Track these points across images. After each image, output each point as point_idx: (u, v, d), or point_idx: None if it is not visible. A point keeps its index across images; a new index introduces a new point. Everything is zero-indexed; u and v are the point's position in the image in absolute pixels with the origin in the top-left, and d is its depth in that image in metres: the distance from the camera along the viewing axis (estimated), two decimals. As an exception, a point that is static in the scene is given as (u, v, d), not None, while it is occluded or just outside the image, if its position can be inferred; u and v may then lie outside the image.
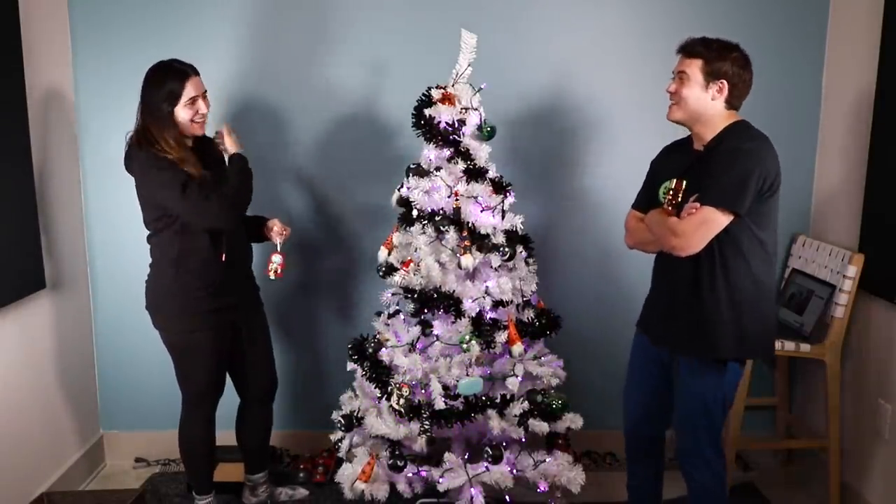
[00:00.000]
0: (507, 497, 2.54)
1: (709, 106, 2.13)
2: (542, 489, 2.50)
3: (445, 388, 2.43)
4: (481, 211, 2.47)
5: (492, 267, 2.49)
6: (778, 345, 2.77)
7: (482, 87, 2.55)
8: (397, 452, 2.48)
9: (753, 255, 2.12)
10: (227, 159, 2.56)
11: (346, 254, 3.18)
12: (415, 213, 2.50)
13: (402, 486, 2.51)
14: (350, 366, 2.66)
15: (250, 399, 2.77)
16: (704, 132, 2.16)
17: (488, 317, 2.48)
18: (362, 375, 2.60)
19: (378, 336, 2.61)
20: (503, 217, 2.50)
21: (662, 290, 2.31)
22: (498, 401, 2.47)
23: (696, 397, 2.21)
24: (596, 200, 3.12)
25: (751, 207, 2.05)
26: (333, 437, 2.70)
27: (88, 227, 3.13)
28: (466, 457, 2.50)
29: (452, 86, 2.53)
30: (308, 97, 3.06)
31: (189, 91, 2.36)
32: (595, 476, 2.95)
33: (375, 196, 3.03)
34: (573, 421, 2.54)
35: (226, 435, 2.79)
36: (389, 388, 2.47)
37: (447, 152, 2.51)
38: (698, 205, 2.05)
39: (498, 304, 2.49)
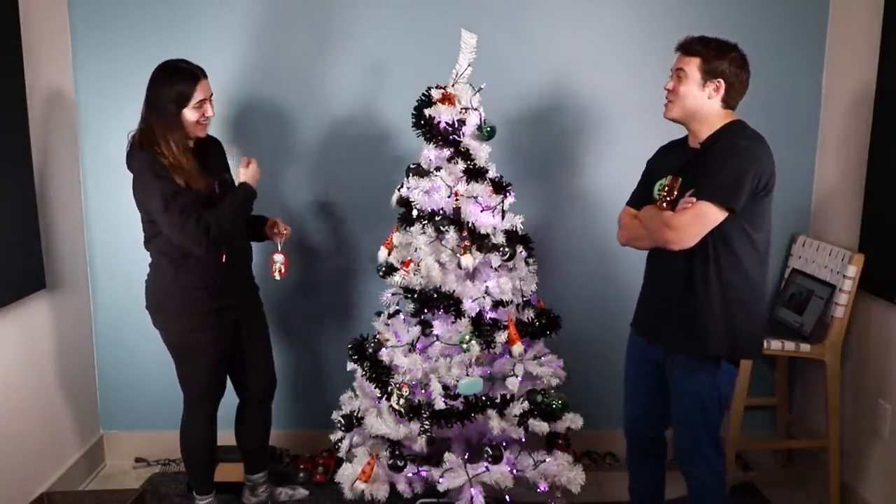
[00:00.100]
0: (507, 497, 2.54)
1: (705, 104, 2.14)
2: (542, 489, 2.50)
3: (445, 388, 2.43)
4: (481, 211, 2.47)
5: (492, 267, 2.49)
6: (778, 345, 2.78)
7: (482, 87, 2.55)
8: (397, 452, 2.48)
9: (746, 254, 2.13)
10: (235, 181, 2.56)
11: (346, 254, 3.18)
12: (415, 213, 2.50)
13: (402, 486, 2.51)
14: (350, 366, 2.66)
15: (249, 399, 2.77)
16: (700, 130, 2.17)
17: (488, 317, 2.49)
18: (362, 375, 2.60)
19: (378, 336, 2.61)
20: (503, 217, 2.50)
21: (656, 285, 2.31)
22: (498, 401, 2.47)
23: (692, 396, 2.22)
24: (596, 200, 3.12)
25: (745, 206, 2.06)
26: (333, 437, 2.70)
27: (88, 227, 3.13)
28: (466, 457, 2.50)
29: (452, 86, 2.52)
30: (308, 97, 3.06)
31: (198, 94, 2.36)
32: (595, 476, 2.95)
33: (375, 196, 3.03)
34: (573, 421, 2.54)
35: (226, 435, 2.79)
36: (389, 388, 2.47)
37: (447, 152, 2.51)
38: (694, 199, 2.06)
39: (498, 304, 2.49)
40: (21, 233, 2.62)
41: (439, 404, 2.40)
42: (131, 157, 2.41)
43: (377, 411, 2.51)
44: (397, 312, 2.69)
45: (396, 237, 2.59)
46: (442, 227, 2.45)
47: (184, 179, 2.35)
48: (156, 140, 2.34)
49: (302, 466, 3.10)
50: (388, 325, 2.67)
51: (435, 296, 2.45)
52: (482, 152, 2.53)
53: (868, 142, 2.76)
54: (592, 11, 3.04)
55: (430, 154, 2.51)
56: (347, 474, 2.52)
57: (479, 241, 2.45)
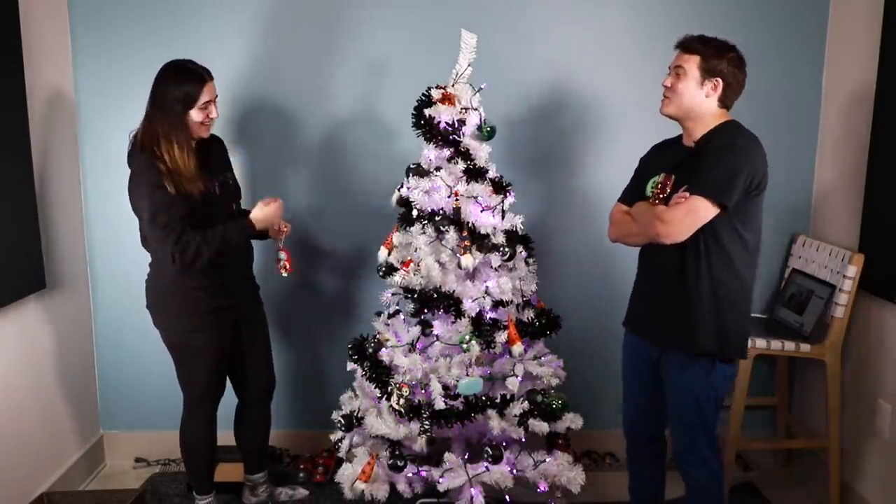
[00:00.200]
0: (507, 497, 2.54)
1: (702, 102, 2.15)
2: (542, 489, 2.50)
3: (445, 388, 2.43)
4: (481, 211, 2.47)
5: (492, 267, 2.49)
6: (778, 345, 2.78)
7: (482, 87, 2.55)
8: (397, 452, 2.48)
9: (736, 253, 2.14)
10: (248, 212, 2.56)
11: (346, 254, 3.18)
12: (415, 213, 2.50)
13: (402, 486, 2.51)
14: (350, 366, 2.66)
15: (249, 399, 2.77)
16: (695, 128, 2.19)
17: (488, 317, 2.48)
18: (362, 375, 2.60)
19: (378, 336, 2.61)
20: (503, 217, 2.49)
21: (649, 281, 2.32)
22: (498, 401, 2.47)
23: (687, 395, 2.23)
24: (596, 200, 3.12)
25: (738, 205, 2.07)
26: (333, 437, 2.70)
27: (88, 227, 3.13)
28: (466, 457, 2.50)
29: (452, 86, 2.52)
30: (308, 97, 3.06)
31: (205, 96, 2.37)
32: (595, 476, 2.95)
33: (375, 196, 3.03)
34: (573, 421, 2.54)
35: (226, 435, 2.79)
36: (389, 388, 2.47)
37: (447, 152, 2.51)
38: (687, 194, 2.07)
39: (498, 304, 2.49)
40: (21, 233, 2.62)
41: (439, 404, 2.40)
42: (132, 156, 2.41)
43: (377, 411, 2.51)
44: (397, 312, 2.69)
45: (396, 237, 2.58)
46: (442, 227, 2.44)
47: (180, 183, 2.33)
48: (158, 140, 2.34)
49: (302, 466, 3.10)
50: (388, 325, 2.67)
51: (435, 296, 2.44)
52: (482, 152, 2.53)
53: (868, 142, 2.76)
54: (592, 11, 3.04)
55: (430, 154, 2.51)
56: (347, 474, 2.52)
57: (479, 241, 2.45)
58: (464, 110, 2.49)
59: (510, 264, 2.52)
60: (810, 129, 3.13)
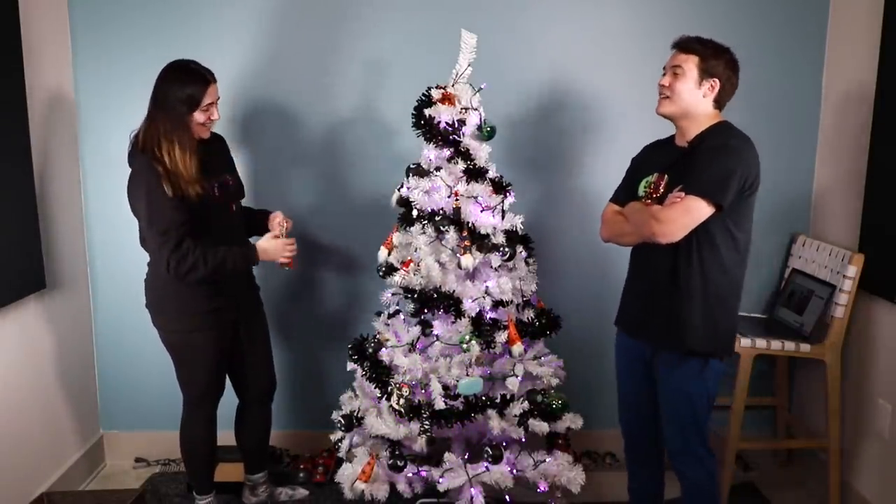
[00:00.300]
0: (507, 497, 2.54)
1: (700, 102, 2.17)
2: (542, 489, 2.50)
3: (445, 388, 2.43)
4: (481, 211, 2.47)
5: (492, 267, 2.49)
6: (778, 345, 2.78)
7: (482, 87, 2.55)
8: (397, 452, 2.48)
9: (727, 252, 2.15)
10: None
11: (346, 254, 3.18)
12: (415, 213, 2.49)
13: (402, 486, 2.51)
14: (350, 366, 2.66)
15: (249, 400, 2.77)
16: (690, 128, 2.20)
17: (488, 317, 2.48)
18: (362, 375, 2.60)
19: (378, 336, 2.61)
20: (503, 217, 2.49)
21: (642, 280, 2.33)
22: (498, 401, 2.47)
23: (679, 394, 2.24)
24: (595, 200, 3.11)
25: (731, 205, 2.09)
26: (333, 437, 2.69)
27: (88, 227, 3.13)
28: (466, 457, 2.50)
29: (452, 86, 2.52)
30: (308, 97, 3.06)
31: (208, 98, 2.37)
32: (595, 476, 2.96)
33: (375, 196, 3.03)
34: (573, 421, 2.54)
35: (226, 435, 2.79)
36: (389, 388, 2.47)
37: (447, 152, 2.51)
38: (683, 194, 2.08)
39: (498, 304, 2.49)
40: (21, 233, 2.62)
41: (439, 404, 2.40)
42: (132, 157, 2.41)
43: (377, 411, 2.51)
44: (397, 312, 2.69)
45: (396, 237, 2.58)
46: (442, 227, 2.44)
47: (178, 185, 2.32)
48: (159, 140, 2.33)
49: (302, 466, 3.10)
50: (388, 325, 2.67)
51: (435, 296, 2.44)
52: (482, 152, 2.53)
53: (868, 142, 2.76)
54: (592, 11, 3.04)
55: (430, 154, 2.51)
56: (347, 474, 2.52)
57: (479, 241, 2.45)
58: (464, 110, 2.49)
59: (510, 264, 2.52)
60: (810, 129, 3.13)
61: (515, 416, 2.44)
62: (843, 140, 2.96)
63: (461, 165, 2.48)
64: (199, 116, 2.37)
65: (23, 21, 2.61)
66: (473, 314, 2.45)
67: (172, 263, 2.33)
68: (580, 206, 3.15)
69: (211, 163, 2.48)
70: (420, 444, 2.41)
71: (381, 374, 2.51)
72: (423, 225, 2.47)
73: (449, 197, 2.48)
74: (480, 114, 2.52)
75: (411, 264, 2.48)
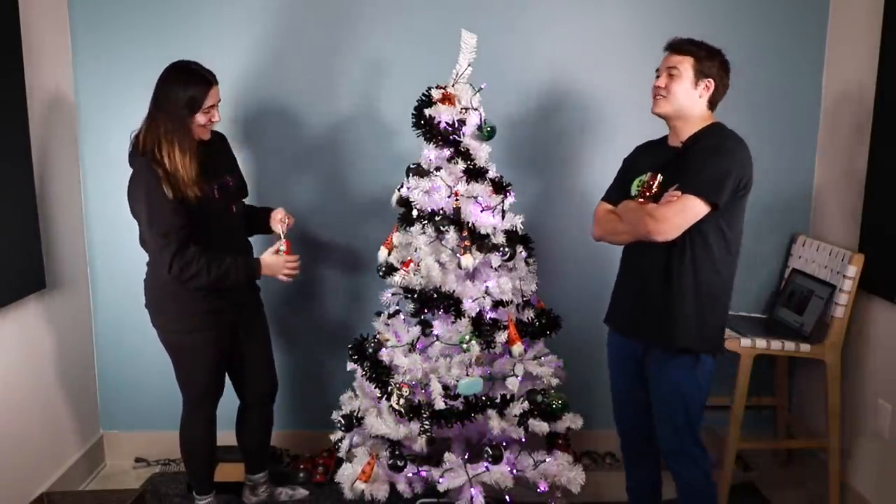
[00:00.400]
0: (507, 497, 2.54)
1: (695, 103, 2.19)
2: (542, 489, 2.50)
3: (445, 388, 2.43)
4: (481, 211, 2.47)
5: (492, 267, 2.49)
6: (778, 345, 2.78)
7: (482, 87, 2.55)
8: (397, 452, 2.48)
9: (719, 252, 2.17)
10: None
11: (346, 254, 3.18)
12: (415, 213, 2.50)
13: (402, 486, 2.51)
14: (350, 366, 2.66)
15: (250, 401, 2.77)
16: (684, 129, 2.22)
17: (488, 317, 2.49)
18: (362, 375, 2.60)
19: (378, 336, 2.61)
20: (503, 217, 2.50)
21: (634, 279, 2.33)
22: (498, 401, 2.47)
23: (672, 392, 2.25)
24: (595, 200, 3.09)
25: (726, 204, 2.10)
26: (333, 437, 2.70)
27: (88, 227, 3.13)
28: (466, 457, 2.50)
29: (452, 86, 2.52)
30: (308, 97, 3.06)
31: (209, 100, 2.37)
32: (595, 476, 2.95)
33: (375, 196, 3.03)
34: (573, 421, 2.54)
35: (226, 435, 2.79)
36: (389, 388, 2.47)
37: (447, 152, 2.51)
38: (679, 193, 2.09)
39: (498, 304, 2.49)
40: (21, 233, 2.61)
41: (439, 404, 2.40)
42: (132, 157, 2.41)
43: (377, 411, 2.51)
44: (397, 312, 2.69)
45: (396, 237, 2.58)
46: (442, 227, 2.45)
47: (178, 187, 2.32)
48: (159, 141, 2.33)
49: (302, 466, 3.10)
50: (388, 325, 2.67)
51: (435, 296, 2.45)
52: (482, 152, 2.53)
53: (868, 142, 2.76)
54: (592, 11, 3.04)
55: (430, 154, 2.51)
56: (347, 474, 2.52)
57: (479, 241, 2.45)
58: (464, 110, 2.49)
59: (510, 264, 2.52)
60: (810, 129, 3.13)
61: (515, 416, 2.44)
62: (843, 140, 2.96)
63: (461, 165, 2.49)
64: (200, 118, 2.37)
65: (23, 21, 2.61)
66: (473, 314, 2.45)
67: (175, 268, 2.33)
68: (580, 205, 3.14)
69: (211, 164, 2.47)
70: (420, 444, 2.41)
71: (381, 374, 2.51)
72: (423, 225, 2.47)
73: (449, 197, 2.48)
74: (480, 114, 2.52)
75: (411, 264, 2.48)
